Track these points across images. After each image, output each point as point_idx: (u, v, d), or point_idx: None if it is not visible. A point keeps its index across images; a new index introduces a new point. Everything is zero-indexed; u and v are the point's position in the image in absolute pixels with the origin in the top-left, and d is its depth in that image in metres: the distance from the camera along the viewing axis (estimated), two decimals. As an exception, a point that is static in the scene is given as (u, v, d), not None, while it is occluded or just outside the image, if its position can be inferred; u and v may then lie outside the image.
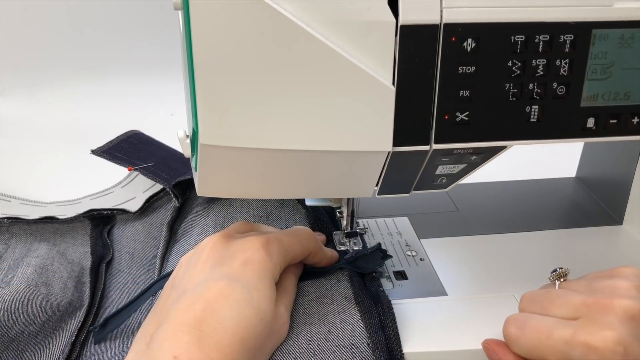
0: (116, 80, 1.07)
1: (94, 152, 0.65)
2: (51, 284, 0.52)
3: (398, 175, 0.42)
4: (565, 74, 0.38)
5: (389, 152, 0.38)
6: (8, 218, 0.59)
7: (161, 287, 0.47)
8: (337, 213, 0.53)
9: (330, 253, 0.50)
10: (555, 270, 0.44)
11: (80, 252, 0.59)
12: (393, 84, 0.36)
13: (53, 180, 0.79)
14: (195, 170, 0.42)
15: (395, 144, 0.38)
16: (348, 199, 0.51)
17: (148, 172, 0.62)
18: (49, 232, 0.60)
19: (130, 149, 0.67)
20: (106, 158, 0.64)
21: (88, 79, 1.07)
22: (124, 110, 1.02)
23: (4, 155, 0.87)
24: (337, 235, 0.54)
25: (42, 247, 0.56)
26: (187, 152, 0.44)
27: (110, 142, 0.68)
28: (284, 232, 0.46)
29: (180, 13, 0.37)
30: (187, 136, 0.43)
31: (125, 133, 0.71)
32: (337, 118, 0.36)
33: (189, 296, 0.39)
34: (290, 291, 0.46)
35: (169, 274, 0.46)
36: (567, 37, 0.37)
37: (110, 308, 0.53)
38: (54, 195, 0.70)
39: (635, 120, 0.40)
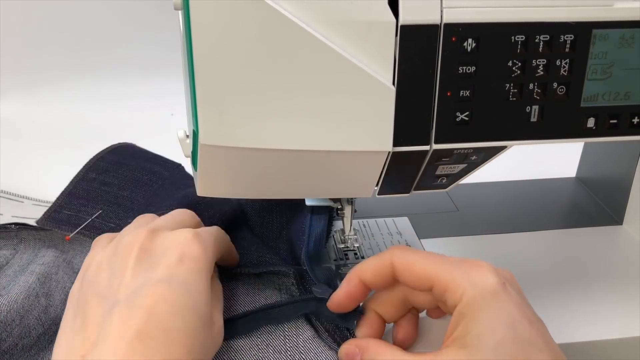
0: (116, 80, 1.07)
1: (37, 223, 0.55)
2: (52, 295, 0.50)
3: (398, 175, 0.42)
4: (565, 74, 0.38)
5: (389, 152, 0.38)
6: (16, 224, 0.58)
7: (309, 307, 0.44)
8: (337, 213, 0.53)
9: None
10: None
11: None
12: (393, 84, 0.36)
13: (53, 180, 0.79)
14: (195, 170, 0.42)
15: (395, 144, 0.38)
16: (348, 199, 0.51)
17: (89, 233, 0.54)
18: (57, 238, 0.57)
19: (92, 186, 0.59)
20: (50, 227, 0.55)
21: (88, 79, 1.07)
22: (124, 110, 1.02)
23: (4, 155, 0.87)
24: (337, 234, 0.54)
25: (49, 254, 0.54)
26: (187, 152, 0.44)
27: (70, 185, 0.59)
28: (204, 229, 0.43)
29: (180, 13, 0.37)
30: (187, 136, 0.43)
31: (102, 151, 0.63)
32: (337, 118, 0.36)
33: (125, 306, 0.34)
34: (219, 292, 0.43)
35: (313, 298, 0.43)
36: (567, 37, 0.37)
37: None
38: (54, 195, 0.70)
39: (635, 120, 0.40)
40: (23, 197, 0.70)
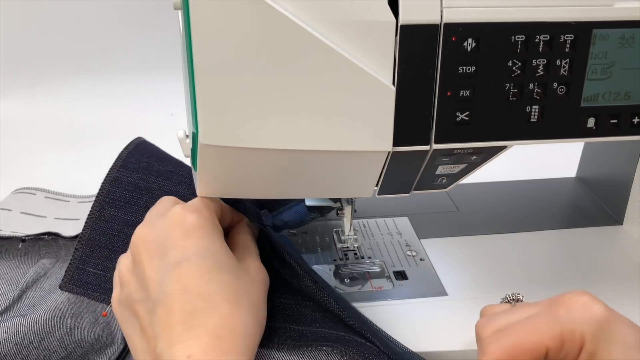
0: (116, 80, 1.07)
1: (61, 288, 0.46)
2: (81, 316, 0.46)
3: (398, 175, 0.41)
4: (565, 73, 0.38)
5: (389, 152, 0.38)
6: (49, 234, 0.54)
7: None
8: (337, 213, 0.53)
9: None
10: (507, 298, 0.42)
11: None
12: (393, 83, 0.36)
13: (53, 180, 0.79)
14: (195, 170, 0.42)
15: (395, 144, 0.38)
16: (348, 199, 0.51)
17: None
18: None
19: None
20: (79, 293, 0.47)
21: (88, 79, 1.07)
22: (124, 110, 1.02)
23: (4, 155, 0.87)
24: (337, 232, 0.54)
25: None
26: (187, 152, 0.44)
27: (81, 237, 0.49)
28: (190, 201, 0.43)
29: (180, 13, 0.37)
30: (187, 136, 0.43)
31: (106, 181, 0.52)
32: (337, 118, 0.36)
33: (162, 298, 0.37)
34: (246, 239, 0.45)
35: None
36: (567, 37, 0.37)
37: None
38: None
39: (636, 120, 0.40)
40: (69, 195, 0.69)
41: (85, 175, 0.76)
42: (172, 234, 0.39)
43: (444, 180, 0.44)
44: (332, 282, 0.52)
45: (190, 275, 0.37)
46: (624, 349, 0.34)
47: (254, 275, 0.42)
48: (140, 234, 0.41)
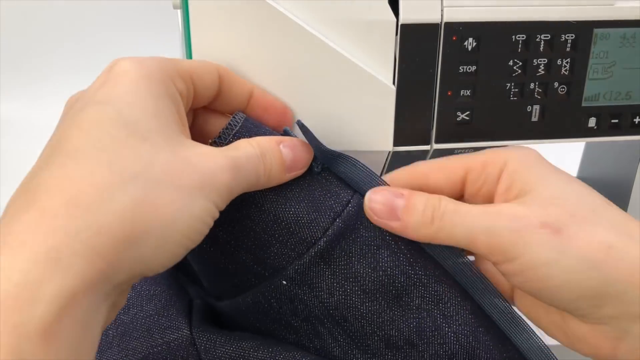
0: (116, 80, 1.07)
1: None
2: None
3: (398, 175, 0.41)
4: (566, 73, 0.38)
5: (389, 152, 0.38)
6: None
7: None
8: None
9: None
10: None
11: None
12: (393, 83, 0.36)
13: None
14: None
15: (395, 144, 0.37)
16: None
17: None
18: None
19: None
20: None
21: (88, 79, 1.06)
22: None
23: (4, 155, 0.87)
24: None
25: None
26: None
27: None
28: None
29: (179, 12, 0.37)
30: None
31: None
32: (337, 117, 0.36)
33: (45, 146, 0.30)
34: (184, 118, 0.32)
35: None
36: (568, 36, 0.37)
37: None
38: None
39: (637, 119, 0.40)
40: None
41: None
42: (91, 85, 0.31)
43: (444, 180, 0.44)
44: None
45: (73, 123, 0.28)
46: (549, 167, 0.33)
47: (191, 157, 0.28)
48: (70, 97, 0.33)
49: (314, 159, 0.34)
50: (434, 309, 0.33)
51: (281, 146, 0.33)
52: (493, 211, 0.31)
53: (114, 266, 0.25)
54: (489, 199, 0.33)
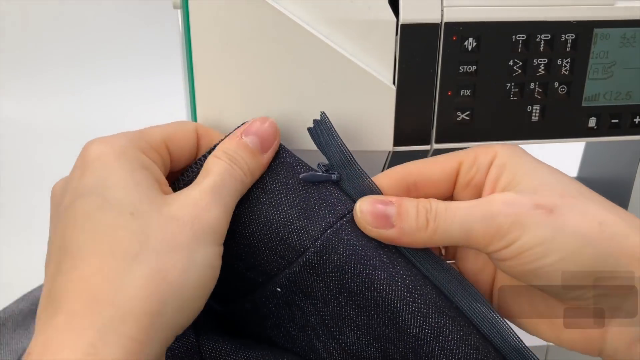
0: (116, 80, 1.07)
1: None
2: None
3: (398, 175, 0.41)
4: (566, 73, 0.38)
5: (389, 152, 0.38)
6: None
7: None
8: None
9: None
10: None
11: None
12: (394, 83, 0.36)
13: (53, 180, 0.79)
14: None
15: (395, 144, 0.37)
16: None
17: None
18: None
19: None
20: None
21: (88, 79, 1.07)
22: (124, 110, 1.02)
23: (4, 155, 0.87)
24: None
25: None
26: None
27: None
28: None
29: (179, 12, 0.37)
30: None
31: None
32: (337, 117, 0.36)
33: (48, 252, 0.31)
34: (210, 170, 0.32)
35: None
36: (568, 36, 0.37)
37: None
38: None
39: (637, 119, 0.40)
40: None
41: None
42: (72, 175, 0.32)
43: (444, 180, 0.44)
44: None
45: (68, 222, 0.30)
46: (535, 160, 0.33)
47: (176, 212, 0.30)
48: (54, 187, 0.34)
49: (331, 167, 0.34)
50: (433, 342, 0.31)
51: (243, 137, 0.33)
52: (485, 201, 0.32)
53: (146, 343, 0.27)
54: (479, 190, 0.34)
